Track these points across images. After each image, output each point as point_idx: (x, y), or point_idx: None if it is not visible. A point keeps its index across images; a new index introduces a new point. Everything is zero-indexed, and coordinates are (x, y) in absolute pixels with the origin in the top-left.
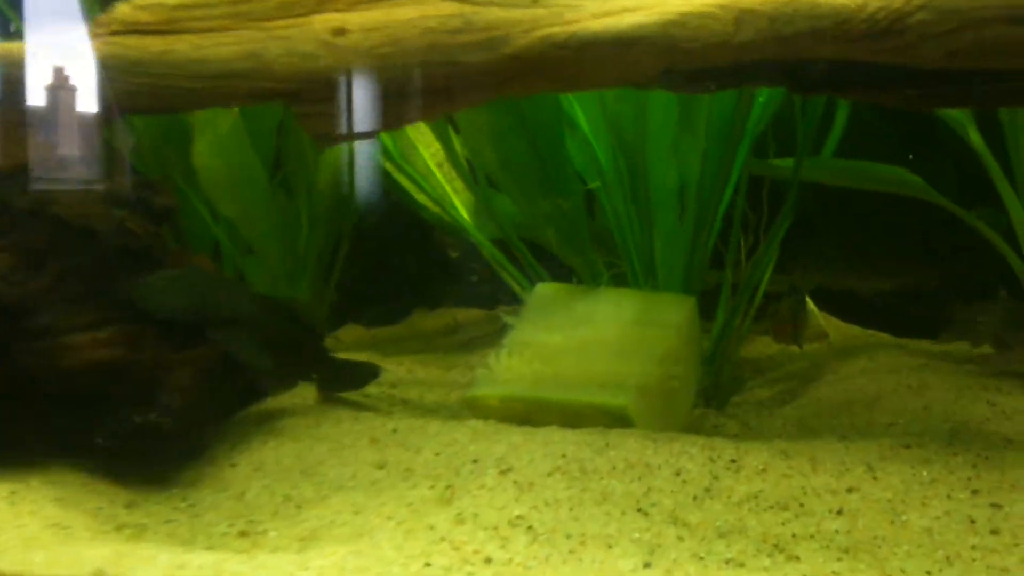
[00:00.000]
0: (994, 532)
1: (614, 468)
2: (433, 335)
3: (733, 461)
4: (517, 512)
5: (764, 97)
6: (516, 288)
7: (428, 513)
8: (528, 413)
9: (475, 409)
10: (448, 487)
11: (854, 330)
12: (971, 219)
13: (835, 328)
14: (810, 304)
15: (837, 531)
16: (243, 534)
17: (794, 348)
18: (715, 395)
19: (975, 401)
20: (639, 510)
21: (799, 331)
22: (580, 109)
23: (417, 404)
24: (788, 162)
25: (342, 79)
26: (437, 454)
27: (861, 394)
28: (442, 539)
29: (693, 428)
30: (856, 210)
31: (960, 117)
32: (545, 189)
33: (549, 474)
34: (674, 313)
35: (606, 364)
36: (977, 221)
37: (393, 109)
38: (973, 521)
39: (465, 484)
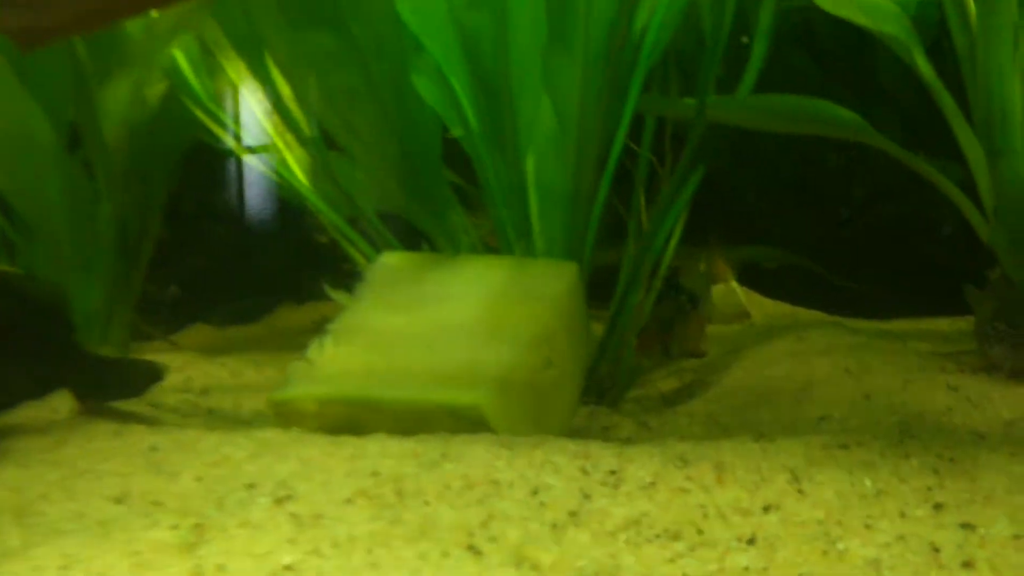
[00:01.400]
0: (967, 565)
1: (447, 488)
2: (299, 333)
3: (613, 473)
4: (286, 560)
5: (660, 15)
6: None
7: (157, 565)
8: (355, 419)
9: (285, 416)
10: (197, 526)
11: (782, 307)
12: (920, 165)
13: (758, 305)
14: (732, 281)
15: (747, 569)
16: None
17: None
18: (609, 388)
19: (931, 386)
20: (470, 548)
21: (670, 341)
22: (427, 25)
23: (225, 414)
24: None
25: None
26: (199, 479)
27: (787, 381)
28: None
29: (577, 431)
30: (789, 173)
31: (905, 39)
32: (386, 133)
33: (348, 501)
34: (551, 284)
35: (461, 351)
36: (927, 167)
37: None
38: (937, 550)
39: (223, 520)
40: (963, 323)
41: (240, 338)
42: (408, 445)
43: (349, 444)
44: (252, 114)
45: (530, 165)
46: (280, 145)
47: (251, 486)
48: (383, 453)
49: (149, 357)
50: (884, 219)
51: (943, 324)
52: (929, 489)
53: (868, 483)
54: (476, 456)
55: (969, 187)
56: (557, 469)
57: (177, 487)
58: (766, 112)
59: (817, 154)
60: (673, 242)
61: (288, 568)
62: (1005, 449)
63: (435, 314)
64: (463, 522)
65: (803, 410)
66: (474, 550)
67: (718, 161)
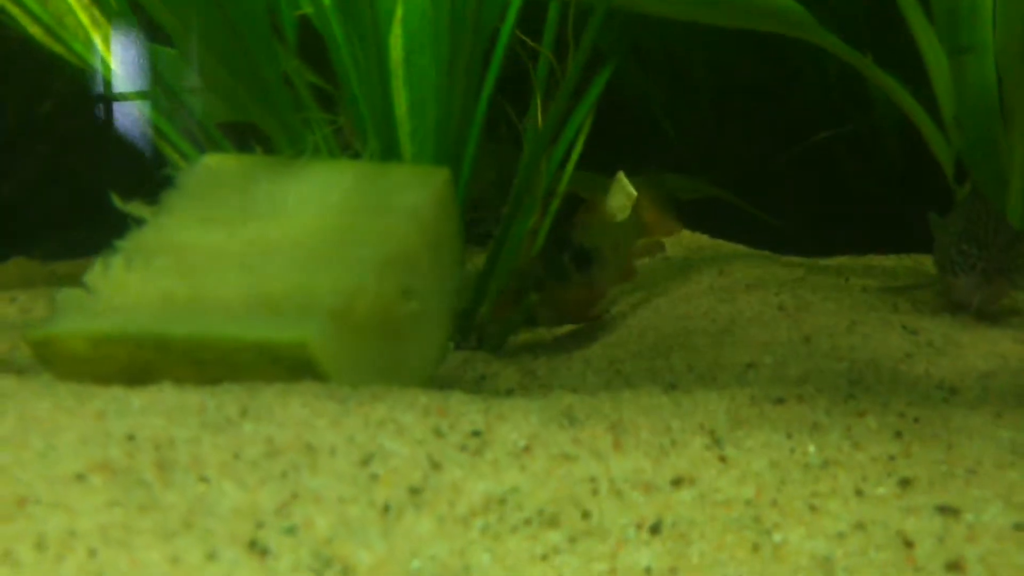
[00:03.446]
0: (953, 568)
1: (237, 458)
2: None
3: (476, 434)
4: None
5: None
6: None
7: None
8: (144, 364)
9: (50, 361)
10: None
11: (700, 240)
12: (869, 69)
13: (674, 236)
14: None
15: (649, 570)
16: None
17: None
18: (490, 328)
19: (884, 328)
20: (252, 545)
21: (537, 309)
22: None
23: None
24: None
25: None
26: None
27: (707, 321)
28: None
29: (444, 381)
30: (710, 87)
31: None
32: (219, 17)
33: (78, 477)
34: (413, 193)
35: (290, 275)
36: (878, 71)
37: None
38: (909, 544)
39: None
40: (910, 261)
41: (67, 274)
42: (194, 398)
43: (103, 396)
44: None
45: (398, 50)
46: (85, 21)
47: None
48: (151, 408)
49: None
50: (820, 143)
51: (888, 261)
52: (892, 458)
53: (812, 449)
54: (290, 412)
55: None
56: (402, 429)
57: None
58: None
59: (742, 63)
60: (575, 153)
61: None
62: (986, 408)
63: (263, 230)
64: (252, 506)
65: (726, 355)
66: (258, 548)
67: (632, 81)
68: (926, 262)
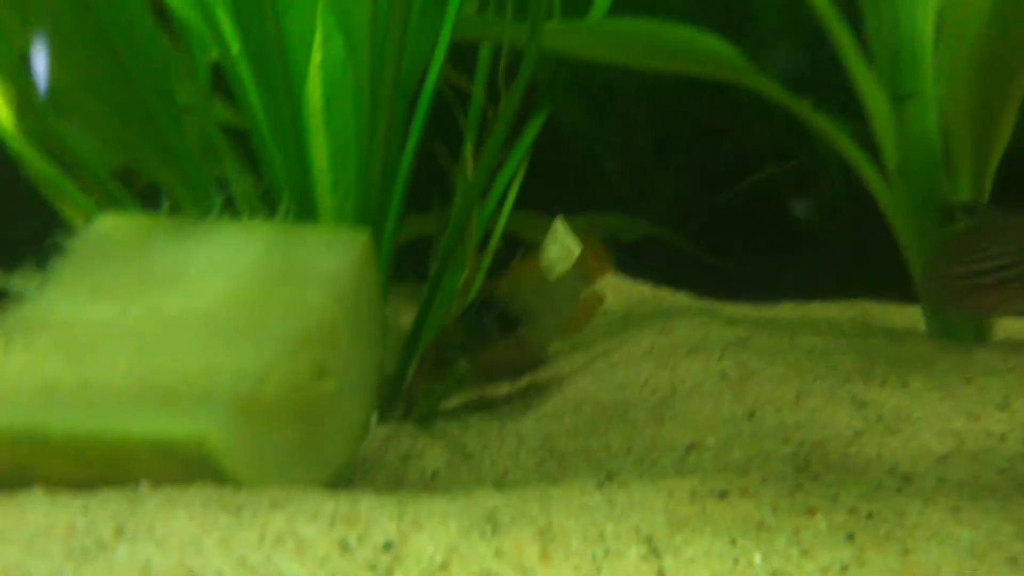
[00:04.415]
0: None
1: None
2: None
3: (388, 547)
4: None
5: None
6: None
7: None
8: (19, 462)
9: None
10: None
11: (642, 290)
12: (809, 114)
13: (614, 287)
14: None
15: None
16: None
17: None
18: (417, 399)
19: (832, 400)
20: None
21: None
22: None
23: None
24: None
25: None
26: None
27: (646, 391)
28: None
29: (366, 463)
30: (651, 127)
31: None
32: (103, 49)
33: None
34: (331, 259)
35: (190, 356)
36: (819, 117)
37: None
38: None
39: None
40: (854, 311)
41: None
42: (63, 516)
43: None
44: None
45: (317, 96)
46: None
47: None
48: (8, 534)
49: None
50: (762, 184)
51: (833, 311)
52: (844, 568)
53: (758, 559)
54: (174, 527)
55: (865, 145)
56: (302, 545)
57: None
58: (618, 41)
59: (683, 104)
60: (508, 204)
61: None
62: (942, 500)
63: (161, 303)
64: None
65: (666, 433)
66: None
67: (569, 115)
68: (871, 310)
